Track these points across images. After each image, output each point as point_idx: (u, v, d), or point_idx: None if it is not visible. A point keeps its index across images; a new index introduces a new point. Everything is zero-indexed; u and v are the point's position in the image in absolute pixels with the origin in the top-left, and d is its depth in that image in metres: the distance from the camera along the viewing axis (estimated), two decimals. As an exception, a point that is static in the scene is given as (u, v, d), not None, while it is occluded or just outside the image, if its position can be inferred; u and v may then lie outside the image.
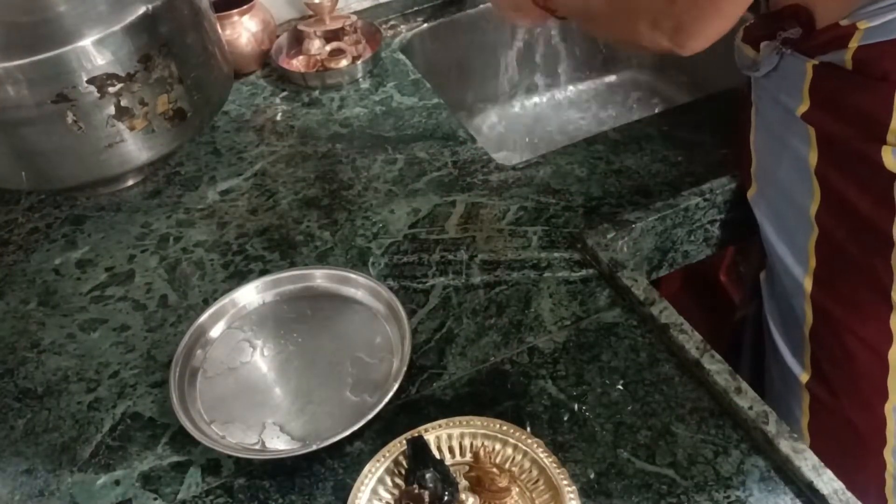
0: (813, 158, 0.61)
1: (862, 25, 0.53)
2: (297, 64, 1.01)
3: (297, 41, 1.02)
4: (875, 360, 0.63)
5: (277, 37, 1.01)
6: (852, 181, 0.59)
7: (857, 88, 0.56)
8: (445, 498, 0.49)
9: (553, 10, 0.72)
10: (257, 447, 0.58)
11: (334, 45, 1.02)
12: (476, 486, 0.52)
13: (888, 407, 0.64)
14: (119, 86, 0.70)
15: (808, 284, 0.65)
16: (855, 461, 0.67)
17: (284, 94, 0.97)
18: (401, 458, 0.53)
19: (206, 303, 0.70)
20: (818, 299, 0.65)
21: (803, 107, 0.60)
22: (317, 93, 0.96)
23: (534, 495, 0.52)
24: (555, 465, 0.52)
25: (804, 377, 0.69)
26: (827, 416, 0.69)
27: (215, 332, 0.66)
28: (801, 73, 0.60)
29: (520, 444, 0.53)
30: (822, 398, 0.68)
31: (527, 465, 0.53)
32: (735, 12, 0.57)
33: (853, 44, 0.54)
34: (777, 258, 0.68)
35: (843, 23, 0.54)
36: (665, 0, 0.58)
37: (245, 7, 0.95)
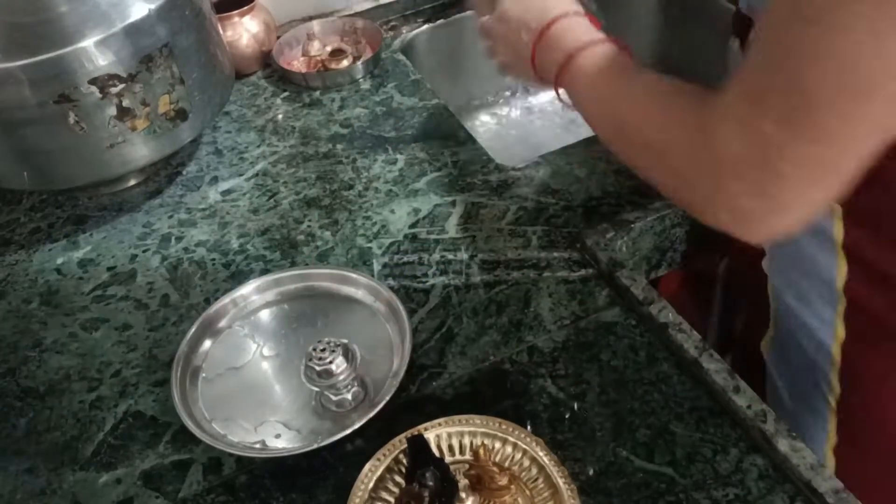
0: (839, 231, 0.55)
1: None
2: (297, 64, 1.01)
3: (298, 42, 1.03)
4: None
5: (278, 38, 1.01)
6: (886, 253, 0.53)
7: None
8: (445, 496, 0.50)
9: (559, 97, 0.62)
10: (258, 446, 0.58)
11: (335, 45, 1.02)
12: (476, 485, 0.52)
13: None
14: (121, 86, 0.70)
15: (836, 354, 0.60)
16: None
17: (285, 94, 0.97)
18: (401, 456, 0.53)
19: (208, 302, 0.70)
20: (847, 370, 0.60)
21: None
22: (317, 93, 0.97)
23: (533, 494, 0.52)
24: (554, 463, 0.52)
25: (828, 445, 0.65)
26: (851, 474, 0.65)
27: (216, 331, 0.67)
28: None
29: (519, 443, 0.54)
30: (851, 465, 0.64)
31: (526, 463, 0.53)
32: (849, 173, 0.41)
33: None
34: (795, 326, 0.63)
35: None
36: (760, 164, 0.41)
37: (246, 8, 0.96)
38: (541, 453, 0.53)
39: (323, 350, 0.57)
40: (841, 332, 0.59)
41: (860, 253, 0.55)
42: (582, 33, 0.58)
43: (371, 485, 0.52)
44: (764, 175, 0.41)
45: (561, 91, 0.60)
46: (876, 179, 0.44)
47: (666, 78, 0.53)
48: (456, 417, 0.56)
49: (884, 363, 0.59)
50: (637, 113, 0.52)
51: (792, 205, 0.43)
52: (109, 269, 0.76)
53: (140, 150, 0.76)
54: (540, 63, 0.60)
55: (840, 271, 0.57)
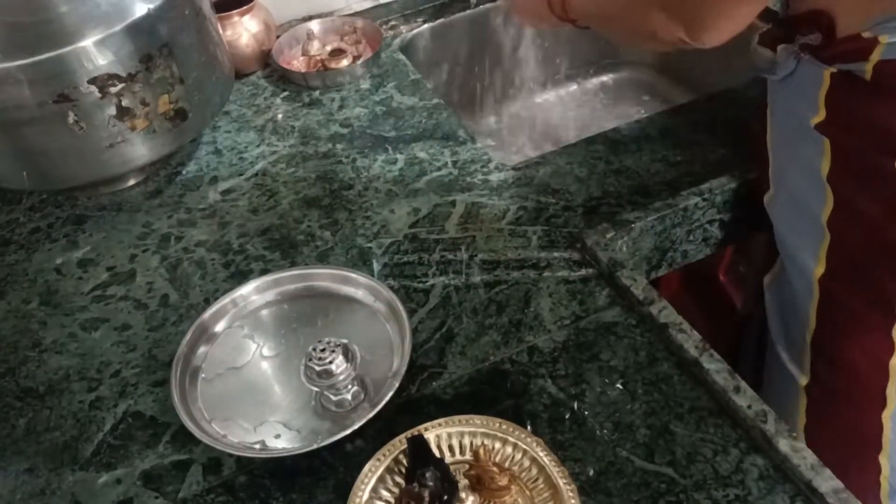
0: (825, 166, 0.60)
1: (884, 39, 0.52)
2: (297, 64, 1.01)
3: (298, 41, 1.02)
4: (876, 368, 0.63)
5: (278, 37, 1.01)
6: (866, 191, 0.58)
7: (875, 101, 0.55)
8: (445, 497, 0.49)
9: (573, 20, 0.71)
10: (258, 446, 0.58)
11: (335, 45, 1.02)
12: (476, 485, 0.52)
13: (886, 414, 0.64)
14: (120, 86, 0.70)
15: (816, 290, 0.65)
16: (850, 465, 0.66)
17: (285, 94, 0.97)
18: (401, 456, 0.53)
19: (208, 302, 0.70)
20: (824, 305, 0.65)
21: (818, 117, 0.59)
22: (317, 93, 0.96)
23: (533, 494, 0.52)
24: (554, 463, 0.52)
25: (803, 381, 0.69)
26: (824, 420, 0.69)
27: (216, 331, 0.66)
28: (817, 81, 0.58)
29: (519, 443, 0.54)
30: (821, 403, 0.68)
31: (526, 463, 0.53)
32: (752, 9, 0.55)
33: (874, 56, 0.53)
34: (790, 262, 0.68)
35: (866, 35, 0.53)
36: None
37: (245, 7, 0.96)
38: (541, 453, 0.53)
39: (323, 350, 0.57)
40: (822, 266, 0.63)
41: (842, 187, 0.60)
42: None
43: (371, 485, 0.52)
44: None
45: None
46: (858, 115, 0.55)
47: None
48: (456, 417, 0.56)
49: (856, 300, 0.62)
50: None
51: (713, 21, 0.55)
52: (109, 269, 0.76)
53: (139, 150, 0.76)
54: None
55: (827, 205, 0.61)
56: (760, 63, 0.65)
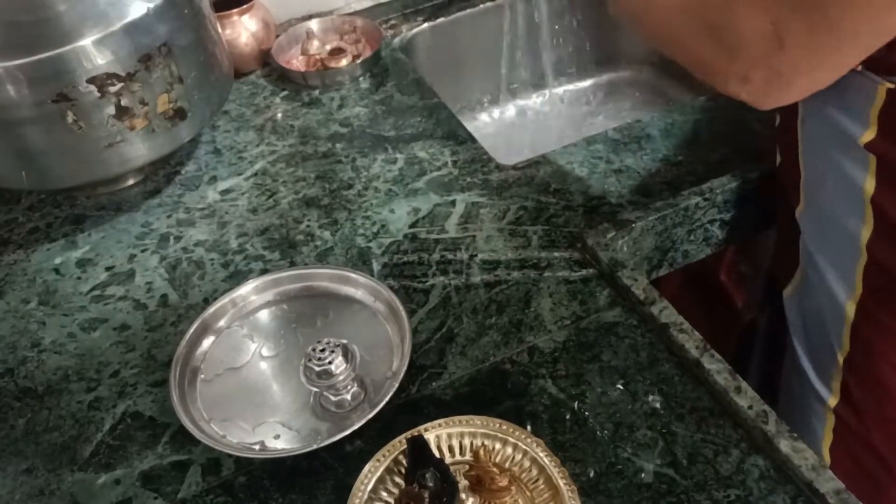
0: (869, 187, 0.56)
1: None
2: (297, 63, 1.01)
3: (297, 40, 1.02)
4: None
5: (277, 36, 1.01)
6: None
7: None
8: (445, 497, 0.49)
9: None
10: (257, 446, 0.58)
11: (334, 44, 1.02)
12: (476, 486, 0.52)
13: None
14: (119, 85, 0.70)
15: (850, 311, 0.62)
16: (877, 487, 0.66)
17: (284, 93, 0.97)
18: (401, 457, 0.53)
19: (207, 302, 0.70)
20: (860, 328, 0.62)
21: (867, 134, 0.54)
22: (317, 92, 0.96)
23: (534, 495, 0.52)
24: (555, 464, 0.52)
25: (832, 401, 0.67)
26: (852, 441, 0.67)
27: (215, 331, 0.66)
28: (869, 96, 0.53)
29: (520, 444, 0.53)
30: (849, 423, 0.66)
31: (527, 464, 0.53)
32: (850, 63, 0.49)
33: None
34: (818, 278, 0.65)
35: None
36: (770, 43, 0.48)
37: (245, 7, 0.95)
38: (541, 454, 0.52)
39: (322, 350, 0.57)
40: (859, 287, 0.60)
41: (888, 210, 0.56)
42: None
43: (371, 486, 0.52)
44: (773, 53, 0.48)
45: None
46: None
47: None
48: (456, 418, 0.55)
49: (894, 325, 0.60)
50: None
51: (795, 81, 0.50)
52: (108, 268, 0.76)
53: (138, 150, 0.76)
54: None
55: (866, 226, 0.58)
56: None
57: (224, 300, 0.67)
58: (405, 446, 0.53)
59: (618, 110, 1.20)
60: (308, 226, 0.77)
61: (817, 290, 0.66)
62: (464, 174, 0.81)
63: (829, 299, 0.64)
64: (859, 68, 0.53)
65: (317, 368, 0.57)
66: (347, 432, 0.56)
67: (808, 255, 0.66)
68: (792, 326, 0.71)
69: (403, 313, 0.63)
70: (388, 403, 0.58)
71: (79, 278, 0.75)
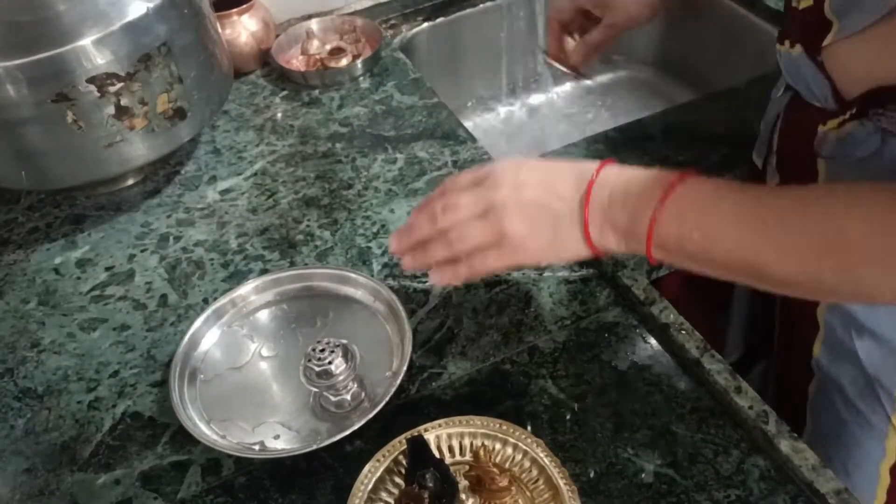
0: None
1: None
2: (296, 63, 1.01)
3: (297, 40, 1.02)
4: None
5: (277, 36, 1.01)
6: None
7: None
8: (445, 498, 0.49)
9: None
10: (257, 447, 0.58)
11: (334, 44, 1.02)
12: (476, 486, 0.52)
13: None
14: (119, 85, 0.70)
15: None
16: None
17: (284, 93, 0.97)
18: (401, 457, 0.53)
19: (206, 302, 0.70)
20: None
21: None
22: (317, 92, 0.96)
23: (534, 495, 0.52)
24: (555, 464, 0.52)
25: (888, 460, 0.63)
26: None
27: (215, 331, 0.66)
28: None
29: (520, 444, 0.53)
30: None
31: (527, 464, 0.53)
32: None
33: None
34: (874, 381, 0.60)
35: None
36: None
37: (245, 6, 0.95)
38: (541, 454, 0.52)
39: (322, 350, 0.57)
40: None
41: None
42: (649, 174, 0.50)
43: (370, 486, 0.52)
44: None
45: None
46: None
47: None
48: (456, 418, 0.55)
49: None
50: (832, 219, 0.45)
51: None
52: (108, 268, 0.76)
53: (138, 150, 0.75)
54: (607, 219, 0.50)
55: None
56: (825, 148, 0.56)
57: (224, 300, 0.67)
58: (405, 446, 0.53)
59: (618, 110, 1.20)
60: (308, 226, 0.77)
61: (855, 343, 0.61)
62: (464, 174, 0.81)
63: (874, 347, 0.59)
64: None
65: (317, 368, 0.56)
66: (347, 432, 0.56)
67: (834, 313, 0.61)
68: (828, 384, 0.65)
69: (403, 313, 0.63)
70: (388, 403, 0.58)
71: (78, 278, 0.75)
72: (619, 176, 0.50)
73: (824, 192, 0.47)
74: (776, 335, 0.74)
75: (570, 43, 0.84)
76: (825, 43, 0.52)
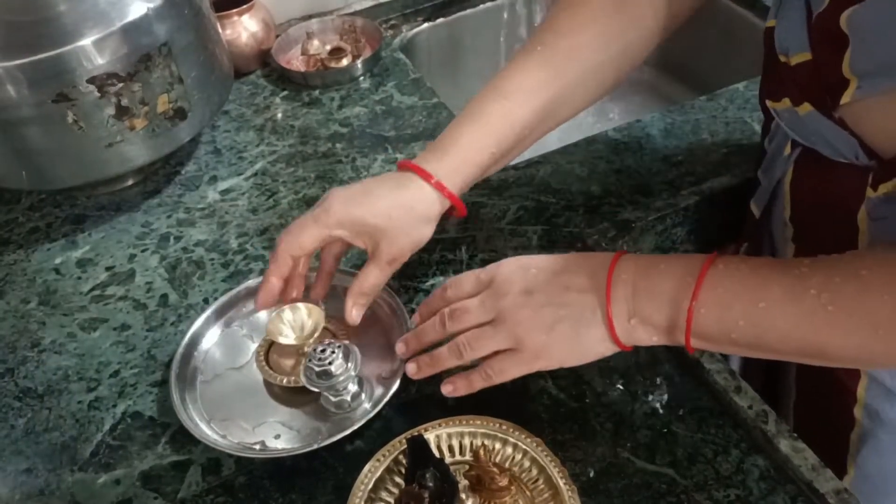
0: None
1: None
2: (297, 63, 1.01)
3: (297, 40, 1.02)
4: None
5: (277, 36, 1.01)
6: None
7: None
8: (445, 497, 0.49)
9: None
10: (257, 446, 0.58)
11: (334, 44, 1.02)
12: (476, 486, 0.52)
13: None
14: (119, 85, 0.70)
15: None
16: None
17: (284, 93, 0.97)
18: (401, 457, 0.53)
19: (207, 302, 0.70)
20: None
21: None
22: (317, 92, 0.96)
23: (534, 494, 0.52)
24: (555, 464, 0.52)
25: None
26: None
27: (216, 331, 0.66)
28: None
29: (520, 444, 0.53)
30: None
31: (527, 464, 0.53)
32: None
33: None
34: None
35: None
36: None
37: (245, 7, 0.95)
38: (541, 454, 0.53)
39: (322, 351, 0.57)
40: None
41: None
42: (673, 261, 0.48)
43: (371, 486, 0.52)
44: None
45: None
46: None
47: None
48: (456, 418, 0.55)
49: None
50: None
51: None
52: (108, 268, 0.76)
53: (138, 150, 0.75)
54: (635, 314, 0.49)
55: None
56: (873, 210, 0.51)
57: (224, 300, 0.67)
58: (405, 446, 0.53)
59: (618, 110, 1.20)
60: (308, 226, 0.77)
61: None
62: (464, 174, 0.81)
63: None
64: None
65: (317, 369, 0.56)
66: (347, 432, 0.56)
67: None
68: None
69: (404, 313, 0.63)
70: (387, 403, 0.58)
71: (79, 278, 0.75)
72: (639, 266, 0.49)
73: (874, 262, 0.44)
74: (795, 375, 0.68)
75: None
76: (844, 101, 0.47)
